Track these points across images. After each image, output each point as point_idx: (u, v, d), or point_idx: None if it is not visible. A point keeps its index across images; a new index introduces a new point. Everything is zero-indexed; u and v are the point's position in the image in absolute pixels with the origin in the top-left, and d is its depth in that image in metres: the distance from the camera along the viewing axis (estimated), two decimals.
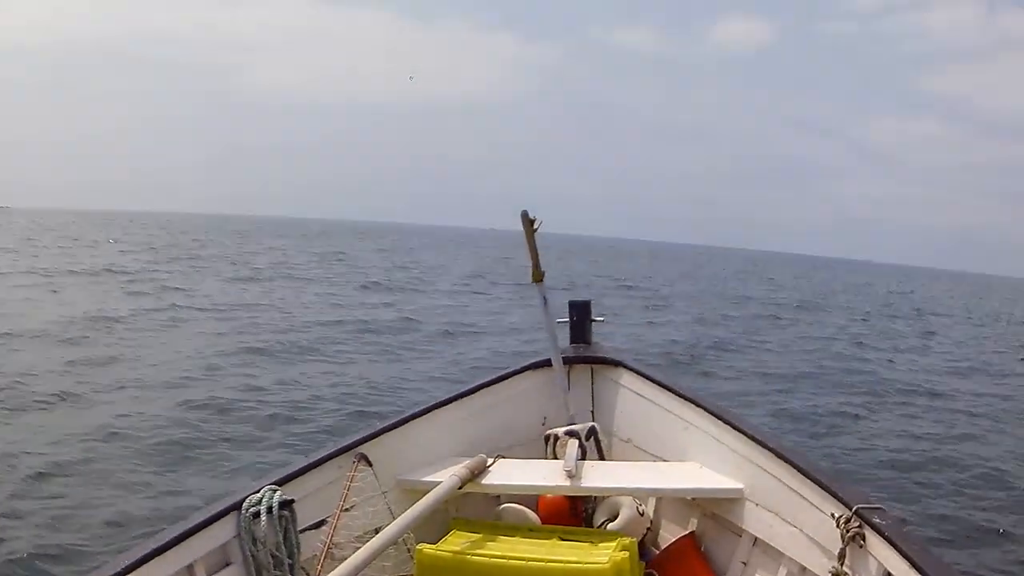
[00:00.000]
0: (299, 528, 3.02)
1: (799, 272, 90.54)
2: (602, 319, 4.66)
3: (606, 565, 2.80)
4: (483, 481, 3.51)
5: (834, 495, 2.87)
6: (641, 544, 3.57)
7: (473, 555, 2.96)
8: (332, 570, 2.61)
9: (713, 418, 3.64)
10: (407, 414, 3.84)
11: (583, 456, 3.80)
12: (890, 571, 2.53)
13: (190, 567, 2.77)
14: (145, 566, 2.57)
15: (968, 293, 76.05)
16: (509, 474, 3.59)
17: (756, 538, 3.35)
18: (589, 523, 3.83)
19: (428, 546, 2.99)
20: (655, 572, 3.39)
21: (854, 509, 2.73)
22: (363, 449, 3.45)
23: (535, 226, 3.92)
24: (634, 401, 4.16)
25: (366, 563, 2.67)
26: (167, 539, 2.71)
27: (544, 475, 3.61)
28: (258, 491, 2.98)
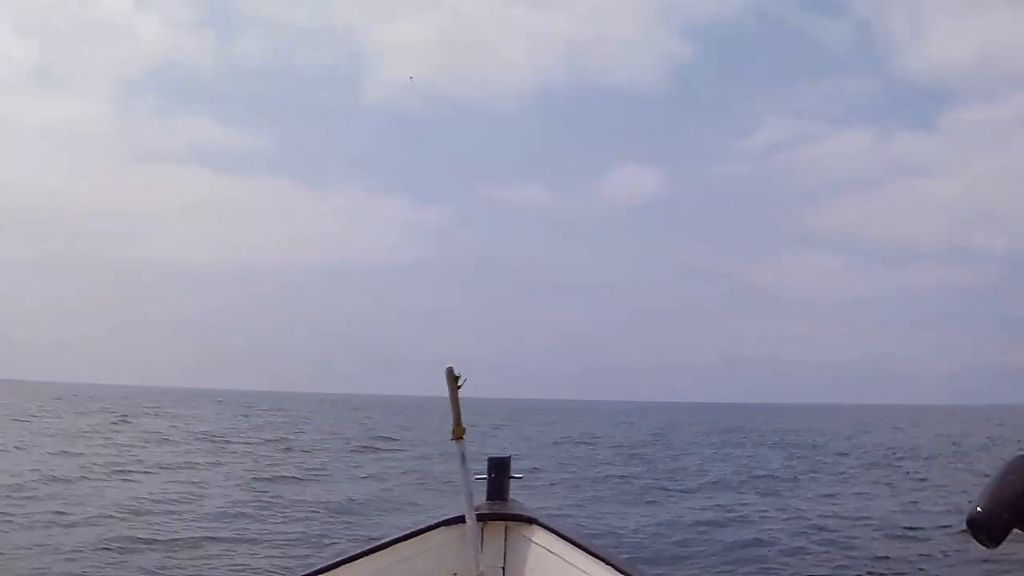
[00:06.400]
0: None
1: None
2: (520, 476, 4.61)
3: None
4: None
5: None
6: None
7: None
8: None
9: None
10: (313, 569, 3.72)
11: None
12: None
13: None
14: None
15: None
16: None
17: None
18: None
19: None
20: None
21: None
22: None
23: (459, 383, 3.89)
24: (547, 559, 4.09)
25: None
26: None
27: None
28: None
